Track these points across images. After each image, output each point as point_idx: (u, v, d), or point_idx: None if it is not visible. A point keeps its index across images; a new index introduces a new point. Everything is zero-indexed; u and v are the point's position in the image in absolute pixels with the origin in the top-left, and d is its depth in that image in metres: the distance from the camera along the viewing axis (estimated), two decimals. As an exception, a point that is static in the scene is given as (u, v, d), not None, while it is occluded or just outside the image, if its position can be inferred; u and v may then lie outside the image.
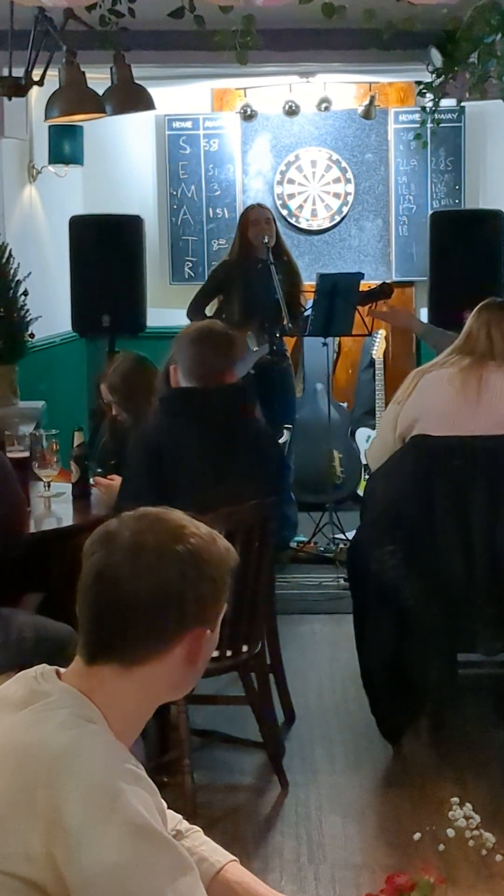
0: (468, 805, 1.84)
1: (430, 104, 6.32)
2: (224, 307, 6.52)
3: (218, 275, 6.60)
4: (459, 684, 4.42)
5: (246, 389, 4.05)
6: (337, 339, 7.28)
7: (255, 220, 6.37)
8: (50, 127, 6.89)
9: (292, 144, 7.92)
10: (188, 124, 7.88)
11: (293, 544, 6.49)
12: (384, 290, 6.44)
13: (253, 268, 6.28)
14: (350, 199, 7.93)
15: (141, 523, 1.77)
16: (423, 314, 7.66)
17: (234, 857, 1.94)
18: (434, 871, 1.68)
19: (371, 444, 4.55)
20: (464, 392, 4.07)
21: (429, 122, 6.63)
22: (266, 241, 6.21)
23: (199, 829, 1.98)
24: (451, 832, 1.80)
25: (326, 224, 7.96)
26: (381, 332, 7.43)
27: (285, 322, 6.10)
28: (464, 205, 7.81)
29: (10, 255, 6.05)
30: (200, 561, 1.75)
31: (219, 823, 3.61)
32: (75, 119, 5.08)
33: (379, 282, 6.97)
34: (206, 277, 6.80)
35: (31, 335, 6.12)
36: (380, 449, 4.32)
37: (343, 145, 7.91)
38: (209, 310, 6.59)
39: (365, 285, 6.67)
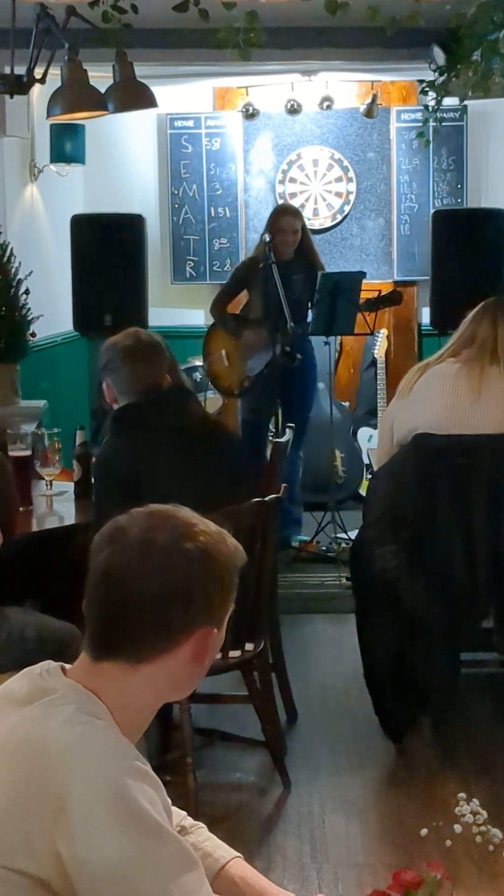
0: (475, 801, 1.83)
1: (432, 103, 6.31)
2: (250, 304, 6.55)
3: (239, 273, 6.62)
4: (462, 683, 4.42)
5: (188, 389, 4.03)
6: (339, 338, 7.26)
7: (282, 228, 6.32)
8: (52, 126, 6.89)
9: (294, 143, 7.91)
10: (190, 123, 7.87)
11: (295, 544, 6.48)
12: (394, 298, 6.40)
13: (256, 267, 6.29)
14: (352, 198, 7.92)
15: (150, 520, 1.76)
16: (425, 314, 7.65)
17: (238, 854, 1.94)
18: (440, 867, 1.67)
19: (378, 439, 4.54)
20: (466, 395, 4.04)
21: (431, 120, 6.62)
22: (269, 239, 6.20)
23: (204, 825, 1.97)
24: (457, 828, 1.79)
25: (328, 223, 7.95)
26: (383, 332, 7.41)
27: (288, 323, 6.10)
28: (466, 204, 7.79)
29: (12, 253, 6.04)
30: (209, 559, 1.74)
31: (221, 822, 3.60)
32: (77, 117, 5.06)
33: (386, 283, 6.95)
34: (230, 275, 6.83)
35: (33, 334, 6.11)
36: (380, 451, 4.32)
37: (345, 144, 7.90)
38: (238, 306, 6.64)
39: (367, 285, 6.66)
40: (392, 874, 1.65)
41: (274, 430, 6.34)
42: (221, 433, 4.00)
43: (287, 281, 6.11)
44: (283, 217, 6.41)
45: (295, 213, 6.53)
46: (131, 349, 3.82)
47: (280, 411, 6.31)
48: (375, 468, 4.49)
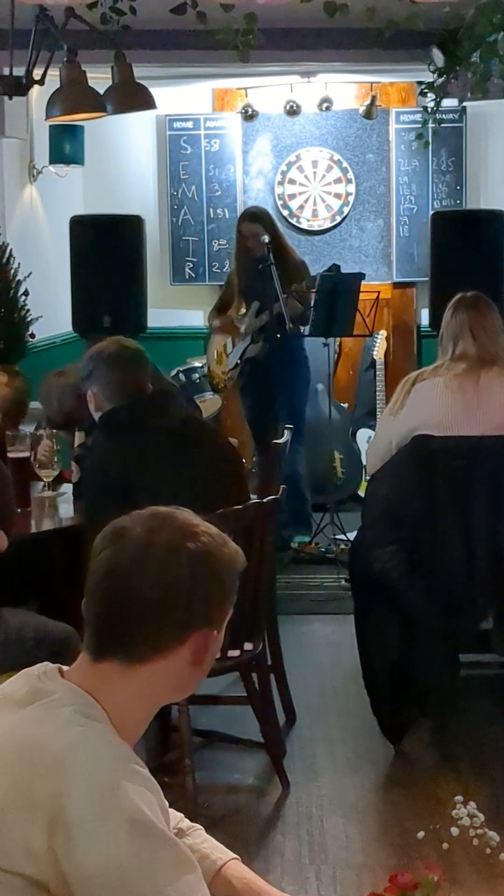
0: (472, 803, 1.83)
1: (431, 104, 6.32)
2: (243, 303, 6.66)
3: (228, 280, 6.75)
4: (461, 685, 4.42)
5: (172, 392, 4.08)
6: (338, 339, 7.27)
7: (245, 235, 6.42)
8: (50, 127, 6.89)
9: (293, 144, 7.91)
10: (189, 124, 7.87)
11: (294, 545, 6.49)
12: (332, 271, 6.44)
13: (253, 268, 6.31)
14: (351, 199, 7.92)
15: (152, 521, 1.76)
16: (424, 315, 7.66)
17: (236, 856, 1.93)
18: (437, 869, 1.67)
19: (368, 451, 4.55)
20: (462, 398, 4.06)
21: (430, 122, 6.63)
22: (267, 241, 6.22)
23: (201, 827, 1.97)
24: (455, 830, 1.79)
25: (327, 224, 7.95)
26: (382, 333, 7.42)
27: (287, 324, 6.11)
28: (465, 205, 7.80)
29: (11, 255, 6.04)
30: (211, 560, 1.74)
31: (220, 824, 3.60)
32: (76, 118, 5.07)
33: (386, 285, 6.94)
34: (224, 286, 6.94)
35: (32, 335, 6.11)
36: (375, 458, 4.32)
37: (344, 145, 7.90)
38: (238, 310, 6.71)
39: (366, 286, 6.66)
40: (389, 876, 1.65)
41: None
42: (207, 433, 4.00)
43: (262, 277, 6.15)
44: (242, 224, 6.54)
45: (253, 218, 6.51)
46: (117, 355, 3.83)
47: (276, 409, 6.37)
48: (369, 472, 4.49)
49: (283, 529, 6.47)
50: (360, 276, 6.57)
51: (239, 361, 6.51)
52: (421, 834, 1.99)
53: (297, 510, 6.49)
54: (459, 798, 1.83)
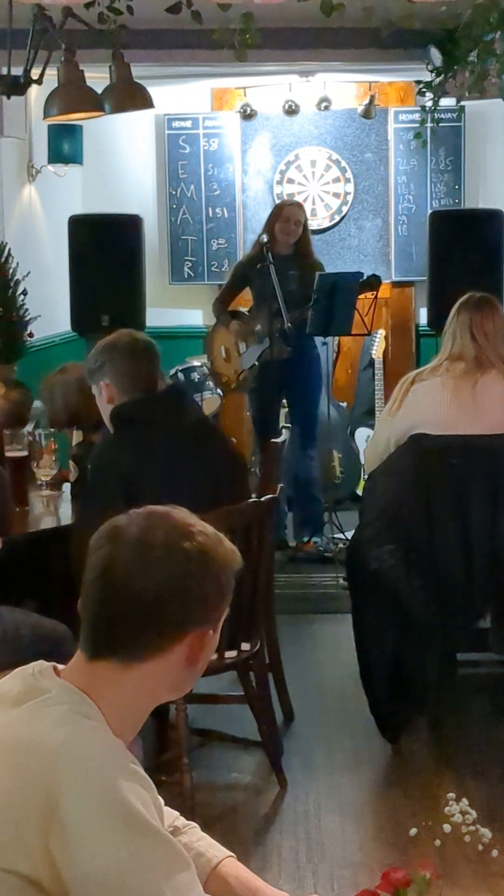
0: (464, 800, 1.83)
1: (429, 103, 6.32)
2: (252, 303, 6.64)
3: (238, 270, 6.66)
4: (459, 683, 4.43)
5: (184, 389, 4.08)
6: (336, 338, 7.27)
7: (286, 216, 6.38)
8: (49, 126, 6.90)
9: (292, 144, 7.91)
10: (188, 123, 7.88)
11: (293, 543, 6.49)
12: (371, 283, 6.40)
13: (256, 266, 6.31)
14: (349, 198, 7.92)
15: (149, 520, 1.76)
16: (423, 314, 7.66)
17: (231, 853, 1.94)
18: (430, 866, 1.67)
19: (367, 450, 4.56)
20: (459, 399, 4.07)
21: (428, 121, 6.63)
22: (266, 241, 6.21)
23: (196, 825, 1.97)
24: (447, 827, 1.80)
25: (326, 223, 7.94)
26: (381, 332, 7.42)
27: (285, 323, 6.10)
28: (463, 204, 7.80)
29: (10, 254, 6.04)
30: (207, 560, 1.74)
31: (217, 822, 3.60)
32: (74, 118, 5.07)
33: (384, 284, 6.96)
34: (230, 273, 6.85)
35: (31, 335, 6.11)
36: (374, 457, 4.32)
37: (343, 145, 7.90)
38: (243, 306, 6.68)
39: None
40: (382, 873, 1.66)
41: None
42: (218, 433, 4.02)
43: (283, 276, 6.14)
44: (289, 206, 6.52)
45: (300, 205, 6.61)
46: (131, 346, 3.80)
47: (286, 408, 6.34)
48: (367, 471, 4.50)
49: (296, 530, 6.50)
50: (359, 275, 6.55)
51: (256, 363, 6.45)
52: (413, 831, 1.99)
53: (310, 513, 6.50)
54: (451, 795, 1.84)
